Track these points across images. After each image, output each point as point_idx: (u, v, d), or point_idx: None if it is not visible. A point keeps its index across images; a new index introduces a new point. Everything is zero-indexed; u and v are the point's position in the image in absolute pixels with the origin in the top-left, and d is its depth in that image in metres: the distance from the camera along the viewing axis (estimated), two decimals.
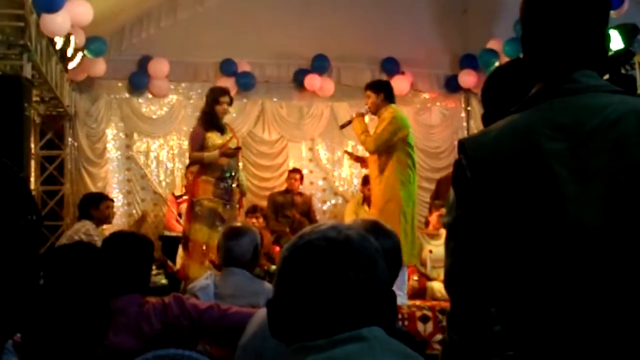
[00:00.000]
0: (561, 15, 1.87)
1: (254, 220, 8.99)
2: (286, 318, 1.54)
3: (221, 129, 7.61)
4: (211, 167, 7.46)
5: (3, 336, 0.78)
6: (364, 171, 9.03)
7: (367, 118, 7.81)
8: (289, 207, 9.93)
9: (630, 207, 1.70)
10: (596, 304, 1.67)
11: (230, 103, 7.79)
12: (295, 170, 10.31)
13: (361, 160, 8.17)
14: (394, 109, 7.61)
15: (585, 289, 1.68)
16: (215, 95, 7.65)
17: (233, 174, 7.60)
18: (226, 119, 7.85)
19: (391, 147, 7.44)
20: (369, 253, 1.55)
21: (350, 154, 8.64)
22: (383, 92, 7.65)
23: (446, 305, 6.62)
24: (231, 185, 7.57)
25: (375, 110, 7.64)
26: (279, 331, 1.56)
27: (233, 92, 10.38)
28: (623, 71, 6.93)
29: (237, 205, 7.80)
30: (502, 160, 1.80)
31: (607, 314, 1.67)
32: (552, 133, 1.77)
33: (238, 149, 7.81)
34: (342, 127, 8.47)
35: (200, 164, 7.55)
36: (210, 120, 7.57)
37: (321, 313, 1.49)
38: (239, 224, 4.57)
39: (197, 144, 7.45)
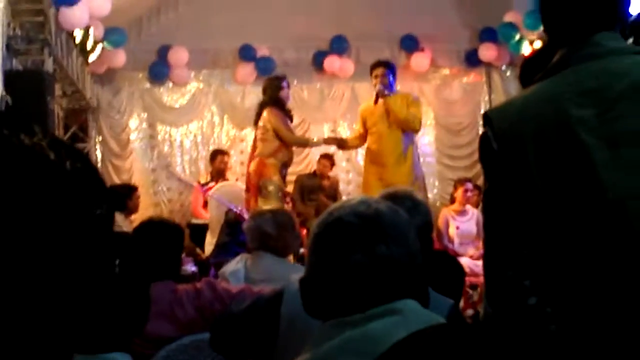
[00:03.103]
0: None
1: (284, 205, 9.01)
2: (320, 295, 1.55)
3: (291, 117, 7.91)
4: (281, 153, 7.69)
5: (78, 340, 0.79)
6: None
7: None
8: (316, 190, 9.88)
9: None
10: (632, 271, 1.66)
11: (289, 85, 8.02)
12: (327, 156, 10.22)
13: (342, 144, 8.31)
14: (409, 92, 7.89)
15: (621, 256, 1.67)
16: (277, 82, 7.87)
17: (291, 163, 7.99)
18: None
19: None
20: (399, 225, 1.55)
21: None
22: (394, 74, 7.77)
23: (476, 280, 6.62)
24: (286, 173, 7.93)
25: (390, 90, 7.65)
26: (314, 308, 1.57)
27: (253, 78, 10.41)
28: None
29: None
30: (529, 130, 1.79)
31: None
32: (579, 99, 1.76)
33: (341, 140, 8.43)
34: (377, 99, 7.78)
35: (271, 149, 7.73)
36: (283, 108, 7.78)
37: (354, 288, 1.50)
38: (267, 208, 4.58)
39: (288, 127, 7.77)
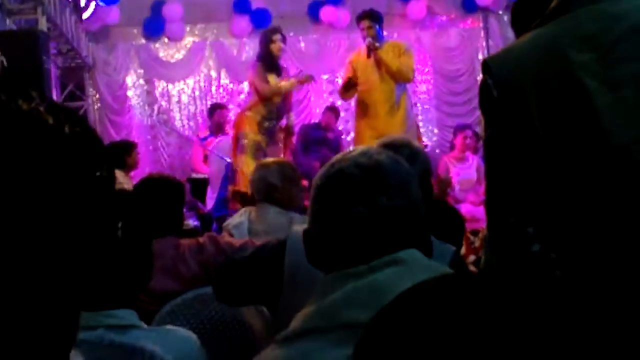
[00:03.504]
0: None
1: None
2: (323, 246, 1.55)
3: (279, 70, 7.69)
4: (260, 105, 7.58)
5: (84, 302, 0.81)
6: None
7: None
8: (320, 142, 9.85)
9: None
10: (636, 216, 1.66)
11: (284, 40, 7.79)
12: (332, 108, 10.18)
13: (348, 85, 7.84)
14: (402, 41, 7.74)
15: (625, 201, 1.67)
16: (268, 35, 7.69)
17: (278, 115, 7.72)
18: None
19: None
20: (401, 176, 1.55)
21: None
22: (380, 23, 7.63)
23: (477, 226, 6.64)
24: (275, 126, 7.69)
25: (380, 41, 7.54)
26: (317, 259, 1.58)
27: (248, 31, 10.34)
28: None
29: (281, 145, 7.87)
30: (529, 77, 1.78)
31: None
32: (578, 44, 1.74)
33: (312, 76, 8.09)
34: (369, 54, 7.57)
35: (250, 103, 7.77)
36: (270, 62, 7.62)
37: (357, 240, 1.50)
38: (271, 159, 4.56)
39: (264, 80, 7.57)
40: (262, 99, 7.54)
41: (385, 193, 1.51)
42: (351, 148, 1.64)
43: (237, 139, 7.62)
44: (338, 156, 1.62)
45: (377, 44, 7.45)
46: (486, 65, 1.88)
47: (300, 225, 2.14)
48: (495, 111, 1.84)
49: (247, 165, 7.30)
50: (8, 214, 0.68)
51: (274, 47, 7.60)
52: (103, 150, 0.79)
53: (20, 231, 0.69)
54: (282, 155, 7.70)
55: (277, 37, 7.64)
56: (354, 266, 1.48)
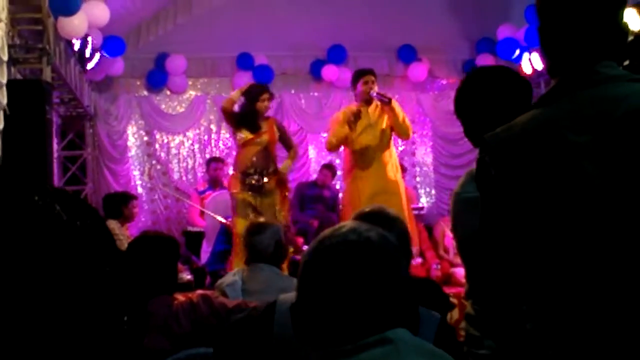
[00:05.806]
0: (578, 7, 1.87)
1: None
2: (311, 323, 1.54)
3: (254, 127, 7.56)
4: (238, 163, 7.59)
5: None
6: None
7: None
8: (316, 200, 9.84)
9: None
10: (635, 298, 1.66)
11: (271, 98, 7.73)
12: (329, 166, 10.20)
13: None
14: None
15: (626, 283, 1.67)
16: (256, 94, 7.58)
17: (261, 168, 7.53)
18: None
19: None
20: (390, 254, 1.55)
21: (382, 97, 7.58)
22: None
23: None
24: (259, 180, 7.51)
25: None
26: (305, 336, 1.57)
27: None
28: None
29: (278, 194, 7.66)
30: (527, 157, 1.79)
31: None
32: (576, 126, 1.76)
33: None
34: (383, 101, 7.41)
35: (234, 161, 7.80)
36: (245, 118, 7.56)
37: (345, 317, 1.49)
38: (261, 220, 4.56)
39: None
40: (242, 152, 7.54)
41: (374, 271, 1.50)
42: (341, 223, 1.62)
43: (232, 200, 7.63)
44: (327, 232, 1.61)
45: (389, 95, 7.48)
46: (485, 142, 1.89)
47: (286, 295, 2.15)
48: (492, 188, 1.85)
49: (239, 226, 7.25)
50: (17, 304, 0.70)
51: (261, 106, 7.46)
52: (112, 242, 0.81)
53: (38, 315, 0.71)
54: (278, 207, 7.63)
55: (265, 96, 7.55)
56: (341, 345, 1.47)
